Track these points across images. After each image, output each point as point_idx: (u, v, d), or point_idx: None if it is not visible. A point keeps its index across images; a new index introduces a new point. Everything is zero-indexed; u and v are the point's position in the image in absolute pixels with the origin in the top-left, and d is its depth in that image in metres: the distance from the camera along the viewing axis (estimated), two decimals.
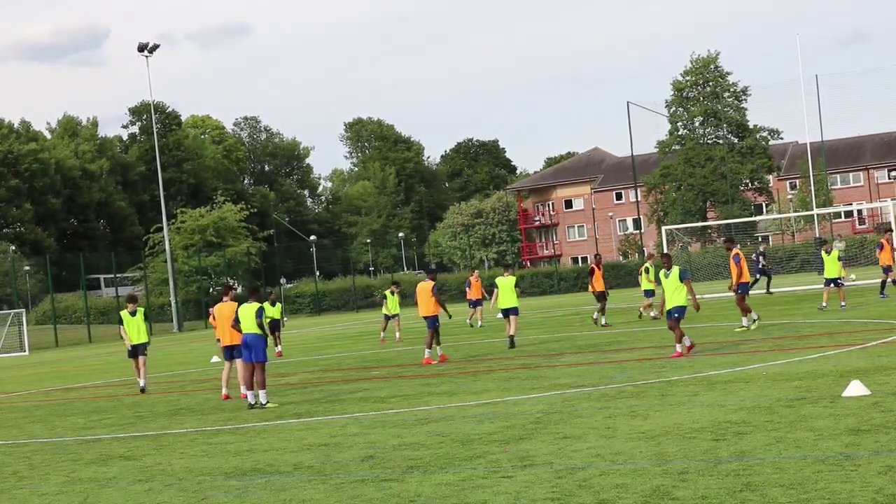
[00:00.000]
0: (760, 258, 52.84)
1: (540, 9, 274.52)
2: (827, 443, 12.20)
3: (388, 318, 41.29)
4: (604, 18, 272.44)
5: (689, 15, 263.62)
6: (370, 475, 12.83)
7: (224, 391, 24.28)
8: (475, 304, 45.76)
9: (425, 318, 29.43)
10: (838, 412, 14.25)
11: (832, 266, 36.74)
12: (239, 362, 23.70)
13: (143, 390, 27.97)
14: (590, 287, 39.13)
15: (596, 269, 38.69)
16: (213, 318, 35.42)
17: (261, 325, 22.30)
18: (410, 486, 11.96)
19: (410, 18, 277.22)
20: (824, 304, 35.73)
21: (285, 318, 63.47)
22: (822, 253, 37.92)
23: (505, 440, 14.56)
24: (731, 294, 37.17)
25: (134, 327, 28.16)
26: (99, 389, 31.12)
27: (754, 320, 30.40)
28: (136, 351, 28.24)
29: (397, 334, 41.01)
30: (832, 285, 36.66)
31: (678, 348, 24.19)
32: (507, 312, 32.30)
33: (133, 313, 28.20)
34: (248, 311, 22.24)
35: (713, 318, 36.80)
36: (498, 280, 33.16)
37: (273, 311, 36.49)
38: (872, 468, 10.65)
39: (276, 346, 38.18)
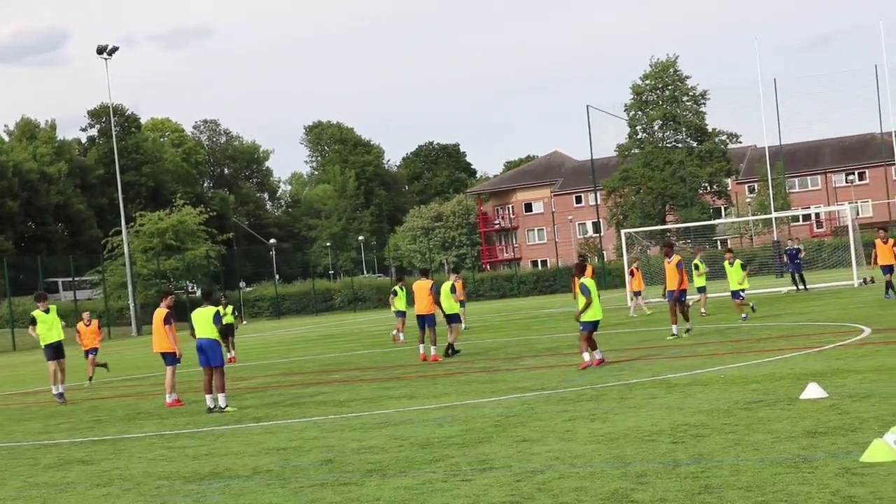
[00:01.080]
0: (785, 256, 52.29)
1: (500, 13, 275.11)
2: (784, 445, 12.27)
3: (400, 314, 40.32)
4: (563, 22, 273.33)
5: (648, 19, 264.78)
6: (329, 479, 12.81)
7: (171, 397, 23.85)
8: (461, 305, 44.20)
9: (421, 316, 29.78)
10: (796, 415, 14.34)
11: (734, 277, 35.17)
12: (170, 370, 23.70)
13: (62, 397, 27.33)
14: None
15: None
16: (76, 331, 34.02)
17: (220, 330, 22.19)
18: (369, 490, 11.95)
19: (371, 22, 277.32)
20: (744, 315, 34.63)
21: (244, 321, 63.29)
22: (725, 264, 36.10)
23: (464, 443, 14.57)
24: (696, 297, 37.66)
25: (48, 325, 27.51)
26: None
27: (687, 330, 30.14)
28: (55, 352, 27.47)
29: (401, 335, 39.90)
30: (739, 298, 35.32)
31: (586, 357, 23.41)
32: (448, 319, 30.86)
33: (46, 311, 27.54)
34: (203, 315, 22.07)
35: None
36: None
37: (226, 317, 36.39)
38: (829, 470, 10.72)
39: (230, 351, 37.68)
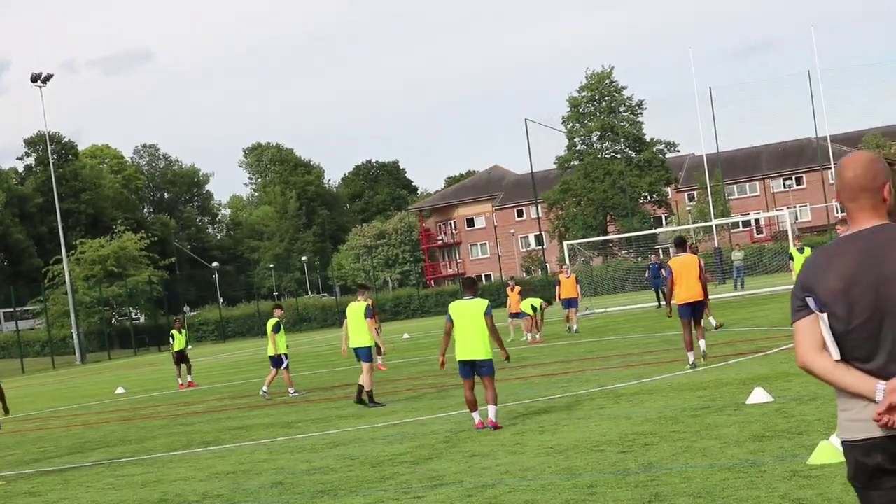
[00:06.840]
0: (647, 272, 51.27)
1: (435, 29, 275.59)
2: (732, 450, 12.35)
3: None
4: (499, 36, 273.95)
5: (583, 31, 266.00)
6: (280, 501, 12.76)
7: None
8: (568, 303, 40.08)
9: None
10: (743, 420, 14.43)
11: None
12: None
13: None
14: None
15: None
16: None
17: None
18: None
19: (306, 41, 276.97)
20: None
21: (189, 346, 62.58)
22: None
23: (414, 461, 14.55)
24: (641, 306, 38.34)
25: None
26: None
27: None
28: None
29: (529, 336, 38.52)
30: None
31: (476, 418, 17.20)
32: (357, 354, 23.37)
33: None
34: None
35: (617, 330, 37.09)
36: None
37: (180, 340, 36.66)
38: (777, 474, 10.79)
39: (188, 375, 37.55)
